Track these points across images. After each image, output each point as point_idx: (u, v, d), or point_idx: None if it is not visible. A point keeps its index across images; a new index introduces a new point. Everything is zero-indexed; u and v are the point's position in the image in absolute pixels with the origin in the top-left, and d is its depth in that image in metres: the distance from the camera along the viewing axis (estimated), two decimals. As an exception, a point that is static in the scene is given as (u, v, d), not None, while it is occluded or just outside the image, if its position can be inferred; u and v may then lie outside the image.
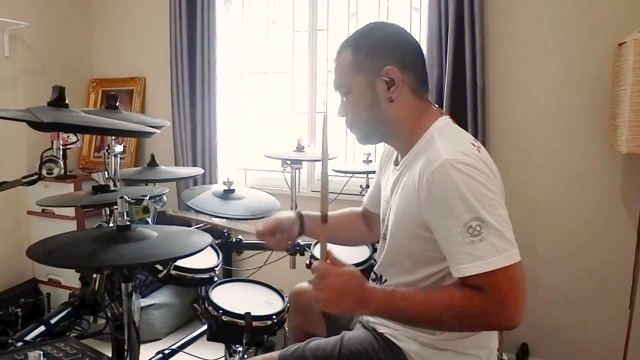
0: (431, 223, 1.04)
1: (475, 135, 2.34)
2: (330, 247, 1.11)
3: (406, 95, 1.15)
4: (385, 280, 1.24)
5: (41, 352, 0.90)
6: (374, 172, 2.38)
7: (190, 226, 1.55)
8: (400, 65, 1.13)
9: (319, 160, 2.69)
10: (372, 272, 1.31)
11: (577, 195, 2.33)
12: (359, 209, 1.55)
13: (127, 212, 1.14)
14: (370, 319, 1.29)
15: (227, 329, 1.51)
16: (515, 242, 0.99)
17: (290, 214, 1.44)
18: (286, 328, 1.66)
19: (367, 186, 2.34)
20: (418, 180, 1.06)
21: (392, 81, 1.13)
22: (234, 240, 2.07)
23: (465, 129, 2.33)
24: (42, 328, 1.31)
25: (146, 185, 1.94)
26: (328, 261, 1.08)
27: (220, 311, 1.51)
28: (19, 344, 1.20)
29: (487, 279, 0.96)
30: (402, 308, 1.03)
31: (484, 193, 0.99)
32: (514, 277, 0.97)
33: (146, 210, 1.42)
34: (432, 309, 1.01)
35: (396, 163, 1.25)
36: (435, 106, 1.22)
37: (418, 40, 1.22)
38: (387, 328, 1.22)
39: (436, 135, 1.11)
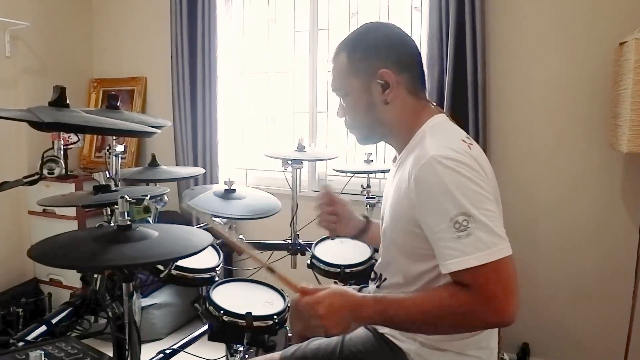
0: (420, 220, 1.04)
1: (476, 134, 2.34)
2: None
3: (402, 96, 1.15)
4: (385, 279, 1.24)
5: (42, 352, 0.90)
6: (374, 171, 2.39)
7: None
8: (395, 67, 1.13)
9: (320, 160, 2.69)
10: (372, 272, 1.32)
11: (577, 194, 2.33)
12: None
13: (127, 212, 1.14)
14: None
15: (228, 328, 1.51)
16: (505, 236, 0.96)
17: (359, 216, 1.46)
18: (287, 328, 1.66)
19: (368, 186, 2.34)
20: (408, 178, 1.06)
21: (387, 84, 1.13)
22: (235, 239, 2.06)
23: (466, 127, 2.37)
24: (43, 328, 1.31)
25: (147, 185, 1.94)
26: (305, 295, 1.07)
27: (221, 311, 1.51)
28: (20, 343, 1.21)
29: (475, 275, 0.93)
30: (394, 314, 1.01)
31: (471, 188, 0.97)
32: (504, 272, 0.93)
33: (147, 210, 1.42)
34: (421, 311, 0.99)
35: (394, 160, 1.25)
36: (433, 104, 1.22)
37: (419, 40, 1.22)
38: (388, 328, 1.22)
39: (427, 133, 1.11)
